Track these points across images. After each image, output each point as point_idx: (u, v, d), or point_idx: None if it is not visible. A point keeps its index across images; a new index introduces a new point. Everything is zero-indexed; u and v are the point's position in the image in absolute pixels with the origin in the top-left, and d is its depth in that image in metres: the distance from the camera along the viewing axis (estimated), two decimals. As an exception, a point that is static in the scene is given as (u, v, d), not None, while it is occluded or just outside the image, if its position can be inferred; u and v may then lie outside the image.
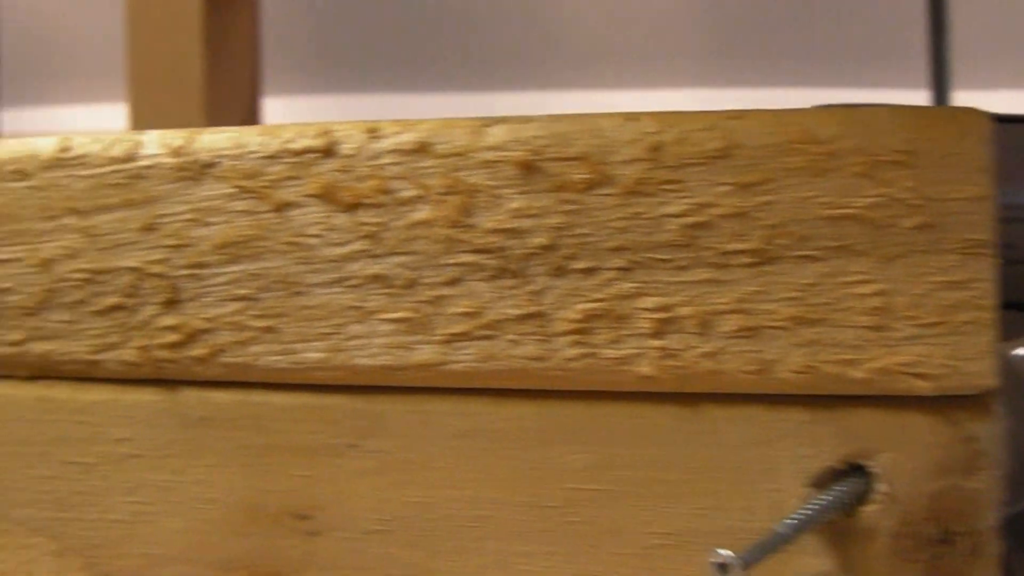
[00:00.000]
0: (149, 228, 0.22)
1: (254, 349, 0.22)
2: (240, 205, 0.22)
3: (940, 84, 0.59)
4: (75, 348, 0.23)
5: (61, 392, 0.24)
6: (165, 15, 0.65)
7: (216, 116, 0.66)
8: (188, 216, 0.22)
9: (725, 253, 0.19)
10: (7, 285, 0.23)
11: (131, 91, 0.69)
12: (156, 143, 0.22)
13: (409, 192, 0.21)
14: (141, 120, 0.67)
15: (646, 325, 0.20)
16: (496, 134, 0.21)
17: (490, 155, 0.21)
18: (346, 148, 0.21)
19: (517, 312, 0.21)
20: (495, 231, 0.21)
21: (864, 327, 0.19)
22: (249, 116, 0.73)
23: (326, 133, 0.21)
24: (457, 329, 0.21)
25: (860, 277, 0.19)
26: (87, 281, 0.23)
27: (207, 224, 0.22)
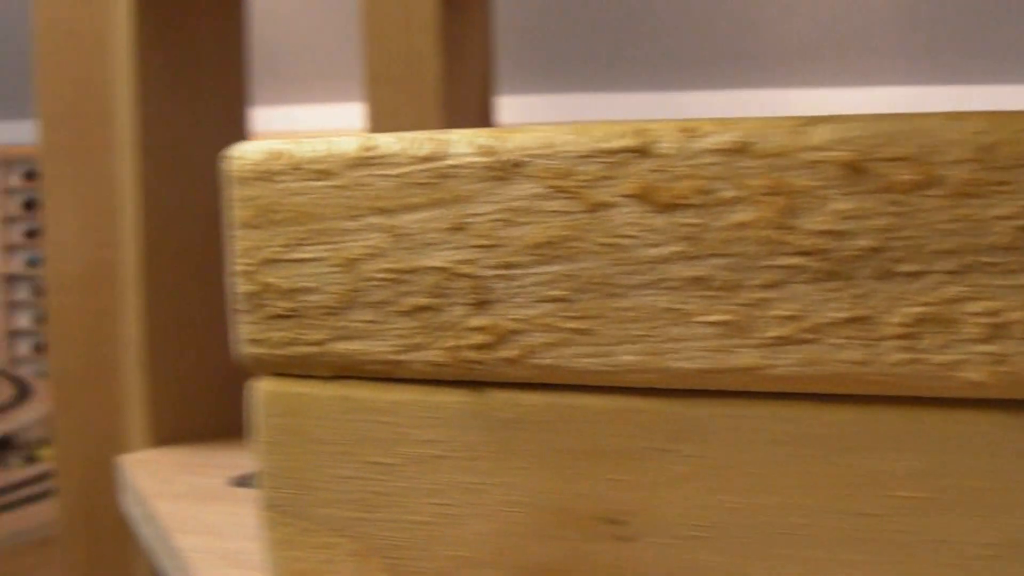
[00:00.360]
0: (457, 228, 0.37)
1: (567, 351, 0.36)
2: (552, 205, 0.36)
3: None
4: (379, 348, 0.38)
5: (364, 392, 0.38)
6: (401, 15, 0.83)
7: (452, 115, 0.85)
8: (498, 216, 0.36)
9: (1058, 258, 0.32)
10: (310, 284, 0.38)
11: (368, 91, 0.90)
12: (464, 142, 0.37)
13: (729, 193, 0.34)
14: (378, 119, 0.89)
15: (975, 330, 0.33)
16: (819, 134, 0.34)
17: (813, 155, 0.34)
18: (663, 148, 0.35)
19: (841, 316, 0.34)
20: (819, 233, 0.34)
21: None
22: (483, 115, 0.94)
23: (641, 132, 0.35)
24: (779, 332, 0.34)
25: None
26: (393, 281, 0.38)
27: (518, 224, 0.36)
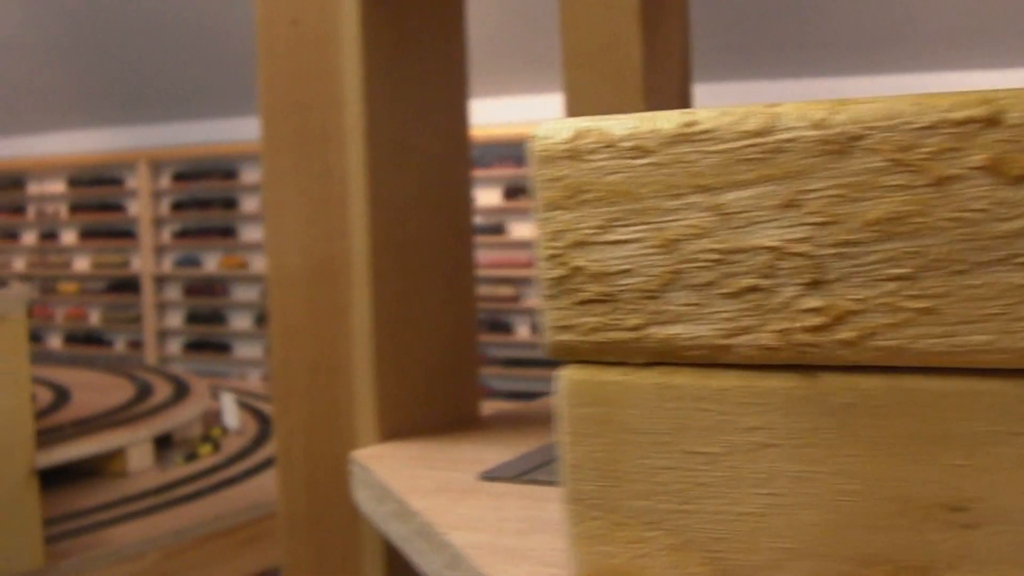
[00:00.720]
0: (789, 205, 0.35)
1: (909, 331, 0.35)
2: (894, 179, 0.34)
3: None
4: (702, 332, 0.37)
5: (684, 378, 0.37)
6: (600, 1, 0.84)
7: (651, 100, 0.85)
8: (834, 192, 0.35)
9: None
10: (626, 267, 0.37)
11: (567, 78, 0.94)
12: (794, 116, 0.35)
13: (1090, 163, 0.33)
14: (576, 106, 0.92)
15: None
16: None
17: None
18: (1014, 117, 0.33)
19: None
20: None
21: None
22: (681, 101, 0.94)
23: (989, 101, 0.34)
24: None
25: None
26: (717, 261, 0.36)
27: (856, 200, 0.35)
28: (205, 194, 7.16)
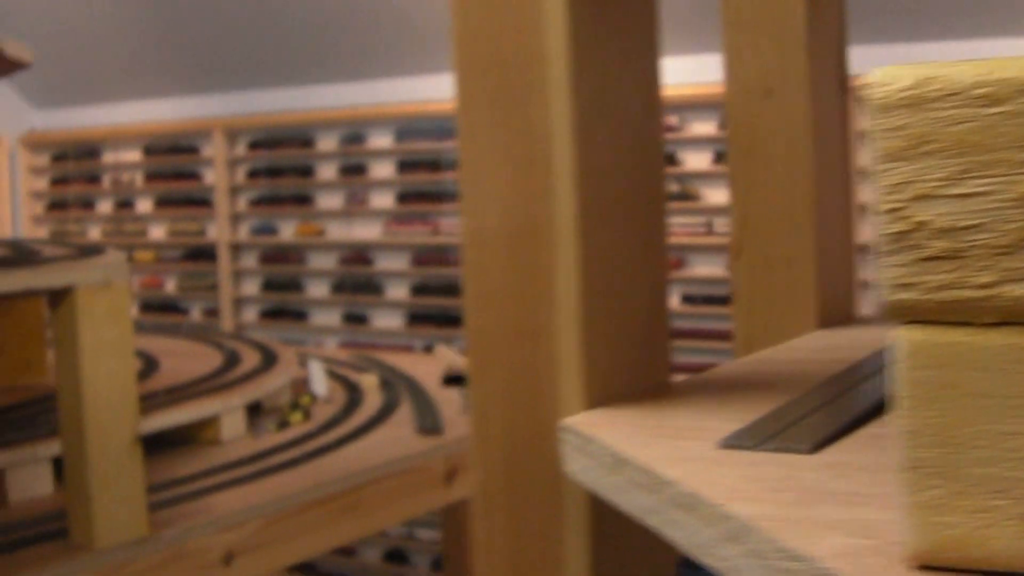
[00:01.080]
0: None
1: None
2: None
3: None
4: (1062, 290, 0.35)
5: (1038, 339, 0.36)
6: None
7: (813, 63, 0.86)
8: None
9: None
10: (976, 222, 0.36)
11: (728, 38, 0.99)
12: None
13: None
14: (738, 67, 0.98)
15: None
16: None
17: None
18: None
19: None
20: None
21: None
22: (839, 63, 0.96)
23: None
24: None
25: None
26: (1086, 215, 0.34)
27: None
28: (281, 162, 7.16)
